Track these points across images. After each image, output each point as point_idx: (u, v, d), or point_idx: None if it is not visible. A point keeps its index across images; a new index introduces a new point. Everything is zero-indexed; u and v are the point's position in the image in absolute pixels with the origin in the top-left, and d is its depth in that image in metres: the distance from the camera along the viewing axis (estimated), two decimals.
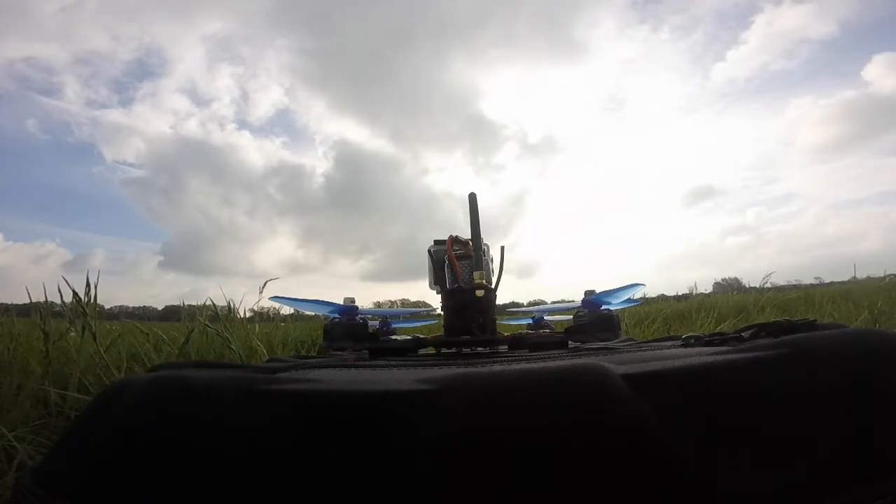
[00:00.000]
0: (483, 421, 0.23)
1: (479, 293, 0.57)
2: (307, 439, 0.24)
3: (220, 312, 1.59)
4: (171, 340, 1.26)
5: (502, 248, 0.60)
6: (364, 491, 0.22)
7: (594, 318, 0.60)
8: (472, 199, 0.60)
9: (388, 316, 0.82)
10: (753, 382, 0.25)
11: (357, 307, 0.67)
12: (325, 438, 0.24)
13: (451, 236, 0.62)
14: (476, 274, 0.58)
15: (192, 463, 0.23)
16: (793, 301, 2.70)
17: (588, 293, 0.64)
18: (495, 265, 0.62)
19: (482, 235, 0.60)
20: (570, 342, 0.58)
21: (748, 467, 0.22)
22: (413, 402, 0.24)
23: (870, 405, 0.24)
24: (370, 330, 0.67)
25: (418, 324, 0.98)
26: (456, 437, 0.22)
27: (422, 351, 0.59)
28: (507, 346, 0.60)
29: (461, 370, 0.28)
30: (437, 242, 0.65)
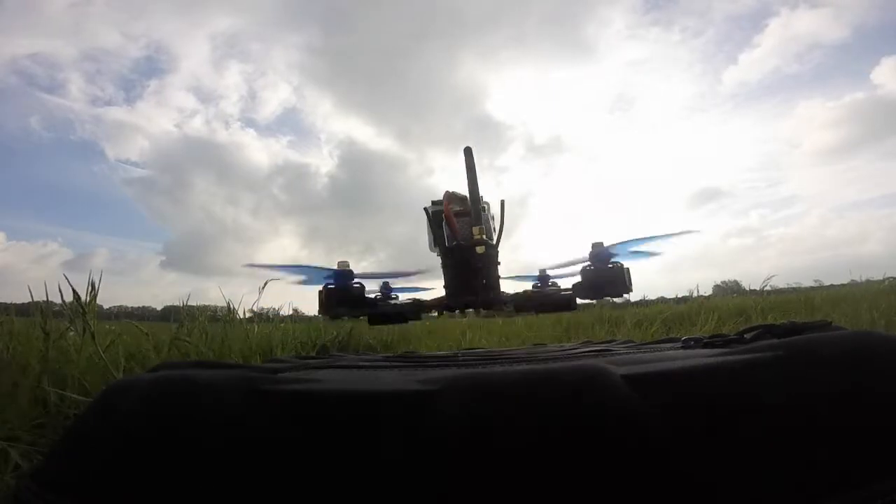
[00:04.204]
0: (483, 421, 0.23)
1: (480, 249, 0.54)
2: (309, 438, 0.24)
3: (219, 313, 1.59)
4: (171, 341, 1.25)
5: (502, 201, 0.56)
6: (365, 490, 0.22)
7: (603, 272, 0.55)
8: (468, 153, 0.57)
9: (387, 280, 0.72)
10: (753, 384, 0.25)
11: (352, 271, 0.61)
12: (326, 438, 0.24)
13: (447, 192, 0.58)
14: (476, 229, 0.55)
15: (196, 462, 0.23)
16: (792, 303, 2.70)
17: (595, 245, 0.58)
18: (496, 223, 0.58)
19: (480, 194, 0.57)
20: (577, 299, 0.56)
21: (748, 468, 0.22)
22: (413, 403, 0.24)
23: (869, 406, 0.24)
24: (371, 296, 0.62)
25: (417, 292, 0.93)
26: (456, 437, 0.22)
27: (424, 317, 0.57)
28: (512, 307, 0.58)
29: (462, 371, 0.28)
30: (434, 203, 0.61)
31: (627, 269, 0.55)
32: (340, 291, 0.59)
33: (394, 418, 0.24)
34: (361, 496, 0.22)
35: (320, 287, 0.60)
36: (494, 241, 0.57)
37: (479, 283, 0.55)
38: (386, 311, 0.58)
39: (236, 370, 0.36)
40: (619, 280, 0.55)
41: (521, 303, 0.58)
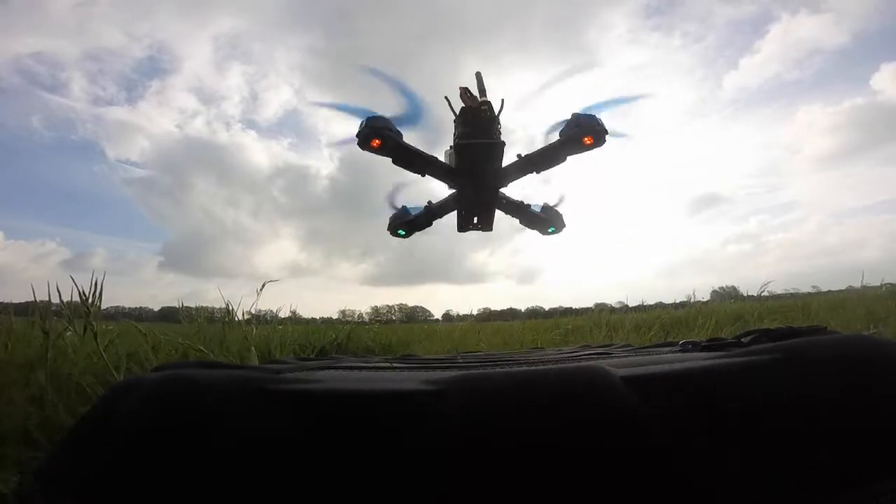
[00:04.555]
0: (484, 422, 0.23)
1: (485, 107, 0.69)
2: (311, 438, 0.24)
3: (216, 314, 1.59)
4: (169, 341, 1.25)
5: (502, 100, 0.71)
6: (367, 488, 0.22)
7: (580, 116, 0.68)
8: (479, 76, 0.73)
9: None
10: (750, 386, 0.25)
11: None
12: (328, 437, 0.24)
13: (463, 86, 0.72)
14: (482, 99, 0.70)
15: (198, 461, 0.24)
16: (790, 309, 2.71)
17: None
18: (497, 119, 0.73)
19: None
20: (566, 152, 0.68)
21: (747, 468, 0.22)
22: (415, 403, 0.25)
23: (864, 408, 0.24)
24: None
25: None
26: (457, 437, 0.23)
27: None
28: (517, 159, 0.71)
29: (462, 372, 0.28)
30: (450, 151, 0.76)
31: (589, 116, 0.69)
32: (383, 119, 0.71)
33: (395, 418, 0.24)
34: (364, 494, 0.22)
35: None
36: (497, 111, 0.70)
37: (483, 130, 0.69)
38: (410, 147, 0.71)
39: (238, 371, 0.36)
40: (593, 119, 0.68)
41: (530, 159, 0.71)
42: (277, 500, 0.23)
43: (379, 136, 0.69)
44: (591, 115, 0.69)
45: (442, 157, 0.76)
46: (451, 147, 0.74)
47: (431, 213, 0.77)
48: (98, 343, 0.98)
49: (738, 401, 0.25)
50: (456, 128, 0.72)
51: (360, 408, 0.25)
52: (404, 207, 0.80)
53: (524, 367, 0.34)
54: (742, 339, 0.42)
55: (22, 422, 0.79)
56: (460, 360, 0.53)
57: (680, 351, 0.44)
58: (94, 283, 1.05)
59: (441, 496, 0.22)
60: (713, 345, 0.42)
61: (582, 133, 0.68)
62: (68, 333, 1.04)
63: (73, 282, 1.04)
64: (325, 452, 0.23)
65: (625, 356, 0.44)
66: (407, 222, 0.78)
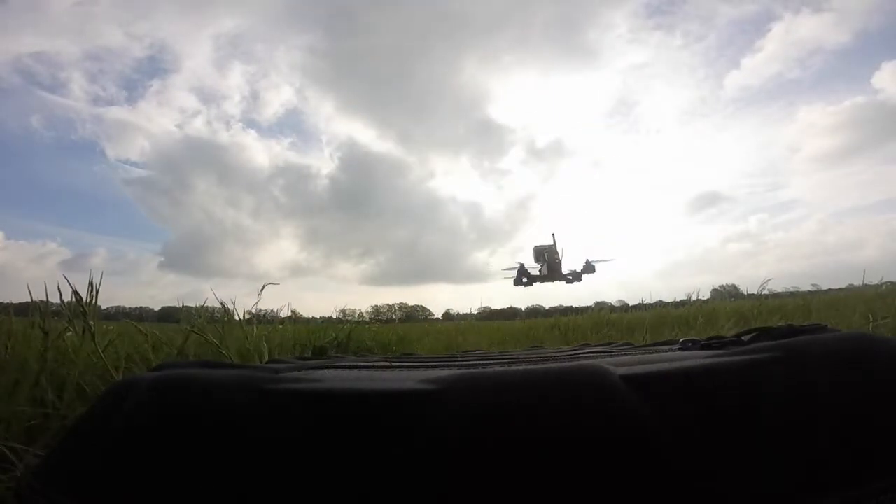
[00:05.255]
0: (484, 420, 0.23)
1: (558, 261, 12.50)
2: (310, 437, 0.24)
3: (216, 314, 1.59)
4: (168, 341, 1.25)
5: (562, 249, 10.81)
6: (368, 487, 0.22)
7: (588, 266, 10.70)
8: (553, 236, 10.35)
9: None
10: (750, 384, 0.25)
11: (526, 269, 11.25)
12: (328, 436, 0.24)
13: (549, 244, 12.92)
14: (556, 255, 12.53)
15: (197, 460, 0.24)
16: (790, 307, 2.71)
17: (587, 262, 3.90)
18: (560, 255, 12.70)
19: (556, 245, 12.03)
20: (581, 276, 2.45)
21: (747, 466, 0.22)
22: (415, 402, 0.25)
23: (864, 405, 0.24)
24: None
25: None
26: (457, 435, 0.23)
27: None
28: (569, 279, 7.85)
29: (462, 371, 0.28)
30: (536, 247, 13.15)
31: (593, 264, 12.10)
32: (525, 269, 12.68)
33: (395, 417, 0.24)
34: (363, 494, 0.22)
35: (517, 266, 12.64)
36: (561, 258, 12.89)
37: (557, 271, 12.66)
38: (534, 276, 12.75)
39: (238, 370, 0.36)
40: (593, 268, 13.57)
41: (566, 276, 11.91)
42: (277, 499, 0.23)
43: (526, 277, 10.98)
44: (593, 265, 11.55)
45: (531, 251, 12.64)
46: (537, 246, 12.27)
47: (534, 279, 10.64)
48: (96, 343, 0.98)
49: (737, 399, 0.24)
50: (545, 264, 10.82)
51: (359, 407, 0.25)
52: (522, 265, 11.05)
53: (523, 366, 0.34)
54: (742, 338, 0.42)
55: (24, 422, 0.79)
56: (460, 359, 0.53)
57: (680, 349, 0.44)
58: (90, 283, 1.05)
59: (441, 495, 0.22)
60: (713, 343, 0.42)
61: (586, 273, 11.27)
62: (69, 334, 1.04)
63: (68, 282, 1.04)
64: (325, 452, 0.23)
65: (624, 355, 0.44)
66: (525, 279, 10.63)
